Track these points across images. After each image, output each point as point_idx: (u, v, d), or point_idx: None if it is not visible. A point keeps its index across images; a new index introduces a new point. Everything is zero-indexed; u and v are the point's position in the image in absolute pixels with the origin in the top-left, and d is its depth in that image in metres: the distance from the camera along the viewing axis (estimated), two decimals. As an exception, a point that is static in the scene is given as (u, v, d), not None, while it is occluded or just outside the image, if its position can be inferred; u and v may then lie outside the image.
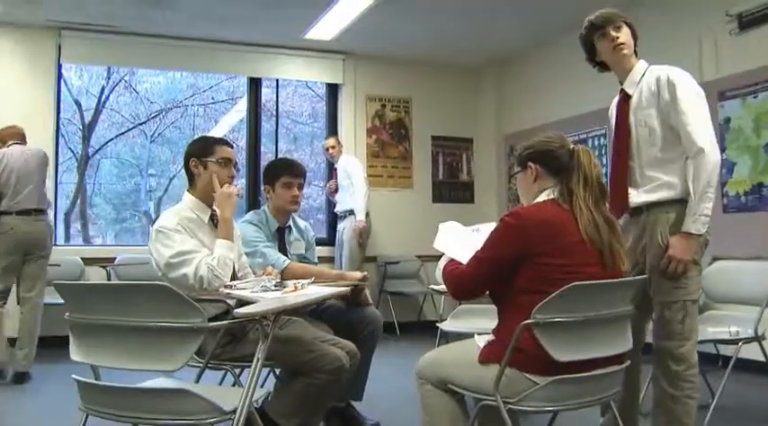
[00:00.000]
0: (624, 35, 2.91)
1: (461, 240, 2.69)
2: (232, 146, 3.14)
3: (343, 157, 7.40)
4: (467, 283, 2.47)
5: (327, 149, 7.47)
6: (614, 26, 2.91)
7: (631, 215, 2.95)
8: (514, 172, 2.64)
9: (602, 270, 2.32)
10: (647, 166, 2.88)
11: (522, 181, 2.59)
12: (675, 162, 2.81)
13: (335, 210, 7.44)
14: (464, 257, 2.50)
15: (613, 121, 3.06)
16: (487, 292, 2.49)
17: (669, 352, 2.79)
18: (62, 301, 2.15)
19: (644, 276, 2.71)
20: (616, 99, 3.04)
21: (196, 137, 3.43)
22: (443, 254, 2.66)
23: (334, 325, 3.35)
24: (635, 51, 2.96)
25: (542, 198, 2.47)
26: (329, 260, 7.10)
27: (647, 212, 2.88)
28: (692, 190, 2.73)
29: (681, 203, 2.78)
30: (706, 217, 2.72)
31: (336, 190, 7.41)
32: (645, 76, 2.91)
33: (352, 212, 7.12)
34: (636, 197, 2.91)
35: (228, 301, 2.60)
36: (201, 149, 3.05)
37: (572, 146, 2.50)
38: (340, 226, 7.29)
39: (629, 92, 2.94)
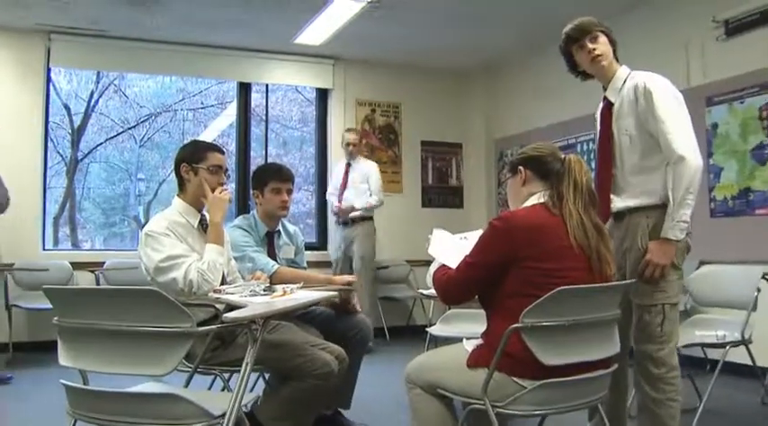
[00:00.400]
0: (601, 45, 2.92)
1: (452, 246, 2.71)
2: (223, 152, 3.14)
3: (362, 160, 7.06)
4: (455, 288, 2.49)
5: (348, 144, 6.94)
6: (591, 37, 2.92)
7: (615, 219, 2.97)
8: (505, 178, 2.67)
9: (589, 275, 2.35)
10: (629, 173, 2.91)
11: (512, 185, 2.63)
12: (657, 169, 2.83)
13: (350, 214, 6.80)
14: (455, 263, 2.52)
15: (599, 127, 3.08)
16: (476, 296, 2.50)
17: (649, 355, 2.81)
18: (50, 306, 2.15)
19: (631, 280, 2.73)
20: (601, 105, 3.05)
21: (187, 141, 3.43)
22: (434, 260, 2.68)
23: (324, 332, 3.35)
24: (616, 58, 2.97)
25: (531, 202, 2.49)
26: (318, 264, 7.07)
27: (628, 216, 2.90)
28: (670, 197, 2.74)
29: (661, 208, 2.80)
30: (684, 224, 2.73)
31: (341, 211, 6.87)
32: (626, 83, 2.92)
33: (364, 218, 6.81)
34: (619, 202, 2.93)
35: (217, 306, 2.60)
36: (192, 155, 3.05)
37: (563, 155, 2.53)
38: (350, 232, 6.83)
39: (612, 99, 2.96)
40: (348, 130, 7.17)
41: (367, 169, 6.97)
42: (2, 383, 4.93)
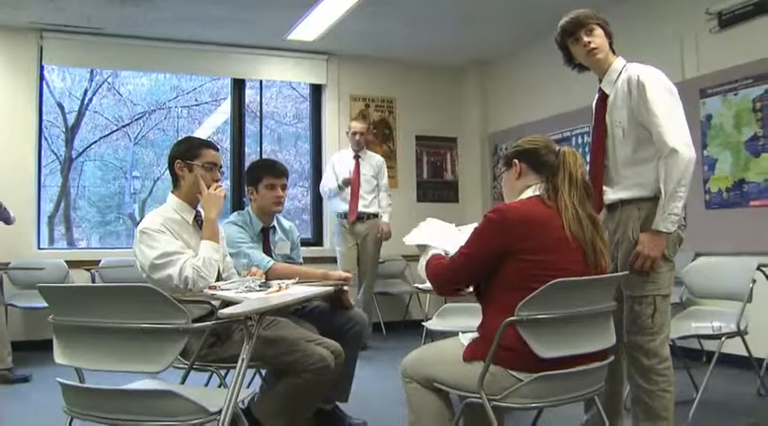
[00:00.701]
0: (597, 38, 2.91)
1: (439, 232, 2.73)
2: (217, 149, 3.13)
3: (369, 151, 6.76)
4: (449, 277, 2.49)
5: (355, 133, 6.58)
6: (586, 30, 2.91)
7: (608, 210, 2.98)
8: (500, 172, 2.66)
9: (584, 267, 2.35)
10: (621, 166, 2.91)
11: (507, 178, 2.62)
12: (649, 161, 2.83)
13: (362, 209, 6.53)
14: (446, 244, 2.53)
15: (593, 119, 3.07)
16: (472, 289, 2.51)
17: (639, 347, 2.82)
18: (46, 304, 2.14)
19: (625, 272, 2.73)
20: (596, 97, 3.05)
21: (181, 137, 3.42)
22: (424, 251, 2.69)
23: (320, 326, 3.36)
24: (612, 50, 2.97)
25: (526, 195, 2.49)
26: (314, 260, 7.03)
27: (621, 208, 2.91)
28: (662, 190, 2.74)
29: (653, 201, 2.81)
30: (676, 216, 2.73)
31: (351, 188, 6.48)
32: (621, 76, 2.92)
33: (375, 215, 6.59)
34: (611, 194, 2.94)
35: (213, 302, 2.60)
36: (187, 151, 3.04)
37: (558, 148, 2.52)
38: (363, 229, 6.55)
39: (607, 91, 2.96)
40: (354, 118, 6.97)
41: (377, 162, 6.72)
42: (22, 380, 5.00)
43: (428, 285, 2.69)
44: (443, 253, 2.62)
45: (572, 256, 2.33)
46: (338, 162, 6.77)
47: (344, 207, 6.58)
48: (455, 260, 2.45)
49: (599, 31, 2.92)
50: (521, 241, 2.30)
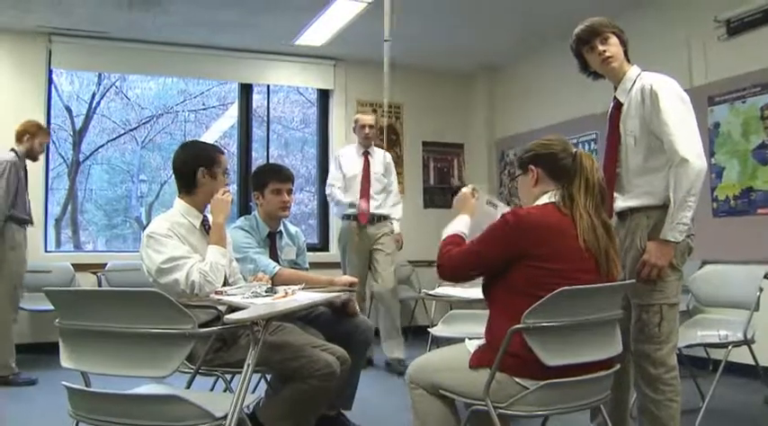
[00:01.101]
0: (612, 47, 2.90)
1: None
2: (224, 153, 3.15)
3: (377, 149, 6.04)
4: (453, 264, 2.49)
5: (364, 127, 5.86)
6: (601, 38, 2.90)
7: (618, 218, 2.97)
8: (515, 175, 2.65)
9: (596, 276, 2.34)
10: (633, 174, 2.90)
11: (523, 184, 2.60)
12: (660, 170, 2.82)
13: (373, 211, 5.84)
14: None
15: (607, 127, 3.06)
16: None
17: (646, 355, 2.81)
18: (52, 307, 2.15)
19: (632, 280, 2.72)
20: (611, 105, 3.04)
21: (188, 141, 3.40)
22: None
23: (326, 333, 3.35)
24: (627, 58, 2.96)
25: (543, 200, 2.47)
26: (320, 265, 6.98)
27: (630, 216, 2.91)
28: (671, 199, 2.73)
29: (662, 209, 2.80)
30: (684, 226, 2.72)
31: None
32: (635, 85, 2.91)
33: (386, 217, 5.93)
34: (621, 202, 2.94)
35: (219, 307, 2.60)
36: (209, 159, 3.04)
37: (574, 149, 2.51)
38: (375, 231, 5.84)
39: (621, 100, 2.95)
40: (362, 112, 6.34)
41: (387, 160, 6.02)
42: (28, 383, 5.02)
43: (434, 291, 2.70)
44: (463, 235, 2.63)
45: (585, 265, 2.32)
46: (344, 159, 6.01)
47: (353, 209, 5.90)
48: (467, 253, 2.45)
49: (614, 40, 2.91)
50: (535, 246, 2.29)
